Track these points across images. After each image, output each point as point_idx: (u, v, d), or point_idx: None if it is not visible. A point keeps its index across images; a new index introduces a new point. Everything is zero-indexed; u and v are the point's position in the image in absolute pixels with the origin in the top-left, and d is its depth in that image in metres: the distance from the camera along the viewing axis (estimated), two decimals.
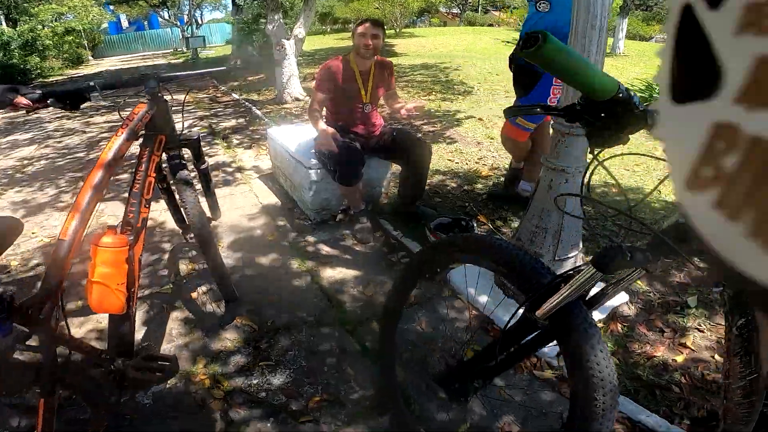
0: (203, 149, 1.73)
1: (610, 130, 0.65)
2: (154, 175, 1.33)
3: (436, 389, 1.11)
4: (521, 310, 0.85)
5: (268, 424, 1.32)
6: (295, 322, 1.72)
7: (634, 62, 8.65)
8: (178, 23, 25.09)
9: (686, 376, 1.44)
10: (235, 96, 6.31)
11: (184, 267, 2.08)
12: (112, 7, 24.12)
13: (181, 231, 1.96)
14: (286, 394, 1.42)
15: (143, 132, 1.34)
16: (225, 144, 3.90)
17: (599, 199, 0.71)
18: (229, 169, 3.24)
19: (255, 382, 1.46)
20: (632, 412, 1.29)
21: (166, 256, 2.16)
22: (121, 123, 1.27)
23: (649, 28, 22.04)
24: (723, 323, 1.60)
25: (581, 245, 1.66)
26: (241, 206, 2.65)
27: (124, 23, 30.68)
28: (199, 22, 27.29)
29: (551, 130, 1.53)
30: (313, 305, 1.81)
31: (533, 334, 0.86)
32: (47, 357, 0.99)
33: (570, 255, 1.60)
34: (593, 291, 0.83)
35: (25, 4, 13.99)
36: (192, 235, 1.83)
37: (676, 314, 1.68)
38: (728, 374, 0.75)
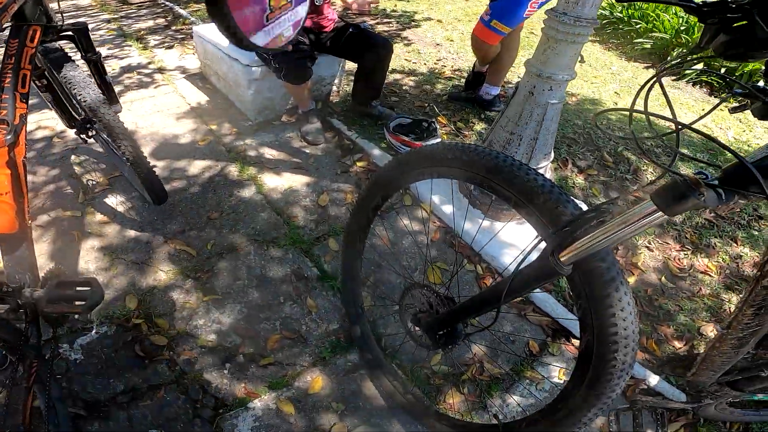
0: (93, 41, 1.31)
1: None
2: (29, 67, 1.01)
3: (414, 335, 0.93)
4: (536, 253, 0.65)
5: (225, 371, 1.12)
6: (241, 243, 1.46)
7: None
8: None
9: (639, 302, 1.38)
10: None
11: (93, 179, 1.71)
12: None
13: (77, 132, 1.55)
14: (240, 333, 1.20)
15: (9, 24, 0.99)
16: (140, 45, 3.26)
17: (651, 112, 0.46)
18: (146, 71, 2.70)
19: (201, 322, 1.23)
20: None
21: (69, 171, 1.76)
22: None
23: None
24: (675, 245, 1.54)
25: (552, 155, 1.50)
26: (164, 109, 2.22)
27: None
28: None
29: (543, 35, 1.29)
30: (260, 221, 1.56)
31: (547, 280, 0.67)
32: None
33: (541, 165, 1.47)
34: None
35: None
36: (93, 133, 1.45)
37: None
38: (731, 324, 0.69)
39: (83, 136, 1.48)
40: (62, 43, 1.26)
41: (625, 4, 2.99)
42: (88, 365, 1.11)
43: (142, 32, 3.67)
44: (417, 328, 0.92)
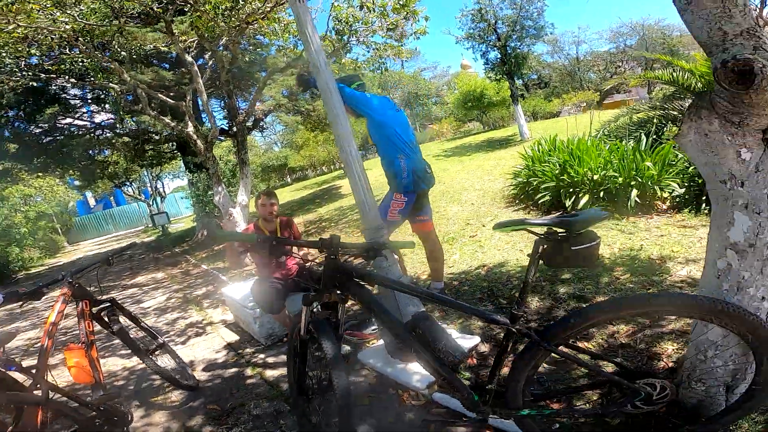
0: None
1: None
2: (89, 321, 2.33)
3: None
4: None
5: None
6: (248, 400, 2.72)
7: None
8: (143, 197, 26.40)
9: None
10: (204, 267, 7.63)
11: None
12: (77, 183, 25.40)
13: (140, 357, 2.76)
14: None
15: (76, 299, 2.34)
16: (197, 307, 5.07)
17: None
18: (201, 326, 4.37)
19: None
20: None
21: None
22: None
23: (551, 104, 23.20)
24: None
25: None
26: (210, 347, 3.74)
27: (91, 201, 31.61)
28: (163, 193, 28.01)
29: None
30: (261, 391, 2.82)
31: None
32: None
33: None
34: None
35: None
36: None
37: None
38: None
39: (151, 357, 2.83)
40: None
41: None
42: None
43: (198, 297, 5.57)
44: None
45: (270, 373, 3.06)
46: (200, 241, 11.38)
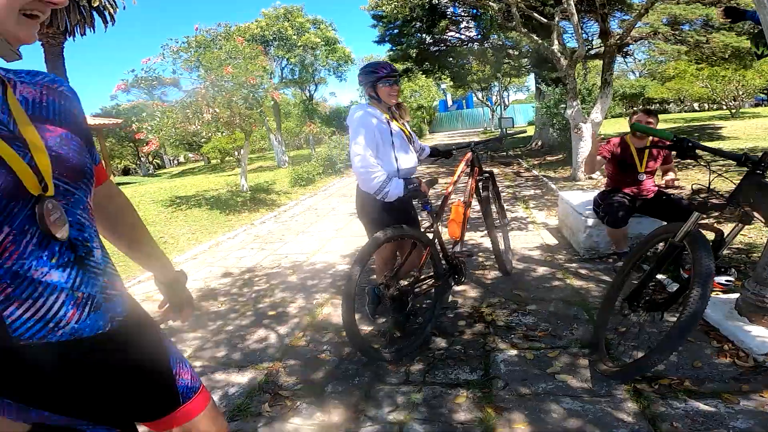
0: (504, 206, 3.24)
1: None
2: (474, 184, 2.81)
3: None
4: None
5: None
6: (549, 298, 2.90)
7: None
8: (488, 103, 29.64)
9: None
10: (535, 173, 7.93)
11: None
12: (443, 86, 30.65)
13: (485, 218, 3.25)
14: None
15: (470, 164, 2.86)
16: (524, 206, 5.47)
17: None
18: (524, 222, 4.73)
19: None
20: None
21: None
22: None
23: None
24: None
25: None
26: (528, 243, 4.04)
27: (449, 102, 38.25)
28: (506, 103, 30.87)
29: None
30: (564, 296, 2.92)
31: None
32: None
33: None
34: None
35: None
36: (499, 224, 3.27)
37: None
38: None
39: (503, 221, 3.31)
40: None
41: None
42: None
43: (526, 197, 5.95)
44: None
45: (578, 283, 3.09)
46: (535, 149, 11.68)
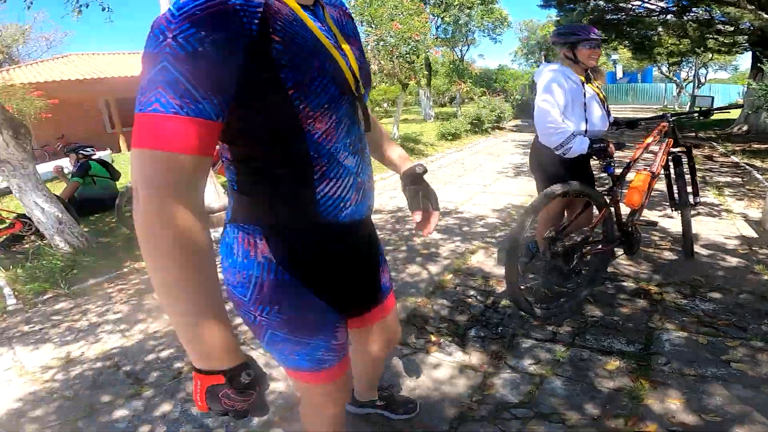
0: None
1: None
2: (665, 156, 2.53)
3: None
4: None
5: None
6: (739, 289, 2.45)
7: None
8: (676, 79, 24.92)
9: None
10: (735, 159, 6.54)
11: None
12: (614, 57, 26.67)
13: (674, 209, 2.89)
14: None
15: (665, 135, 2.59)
16: (717, 192, 4.60)
17: None
18: (716, 210, 3.99)
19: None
20: None
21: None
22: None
23: None
24: None
25: None
26: (720, 230, 3.42)
27: (619, 74, 33.40)
28: (701, 80, 26.18)
29: None
30: (761, 291, 2.43)
31: None
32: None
33: None
34: None
35: None
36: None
37: None
38: None
39: (678, 211, 2.85)
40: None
41: None
42: None
43: (720, 183, 5.01)
44: None
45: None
46: (737, 134, 9.63)
